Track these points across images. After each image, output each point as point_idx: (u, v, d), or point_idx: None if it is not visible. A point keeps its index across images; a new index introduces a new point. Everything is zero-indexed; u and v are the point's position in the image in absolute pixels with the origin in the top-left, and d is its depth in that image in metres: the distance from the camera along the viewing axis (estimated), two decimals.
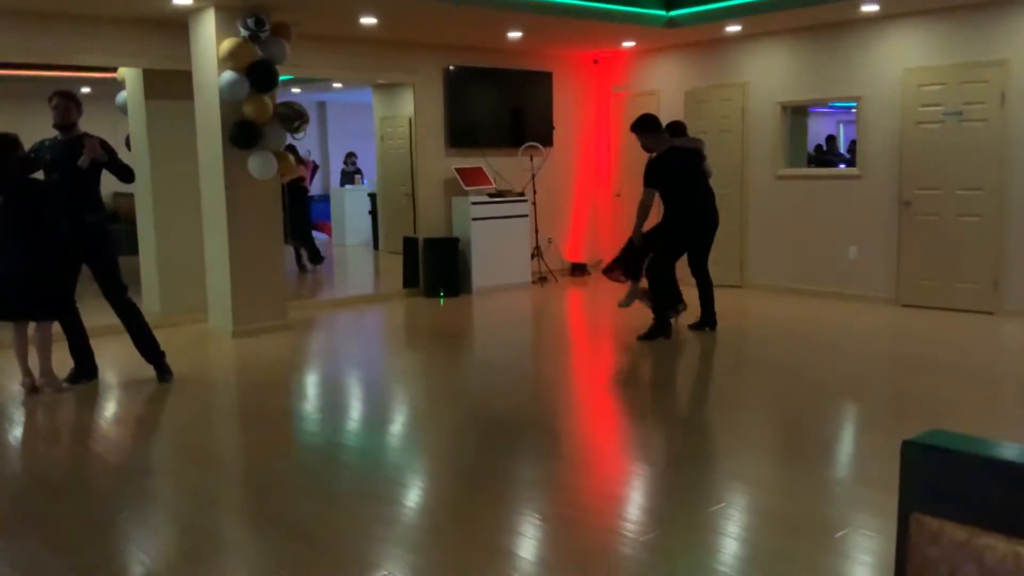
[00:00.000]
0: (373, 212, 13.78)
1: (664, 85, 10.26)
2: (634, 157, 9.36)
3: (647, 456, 4.63)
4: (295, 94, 13.56)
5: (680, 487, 4.07)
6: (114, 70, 8.31)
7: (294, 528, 3.62)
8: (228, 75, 7.10)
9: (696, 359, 6.89)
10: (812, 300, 8.84)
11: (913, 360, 6.51)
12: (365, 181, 14.94)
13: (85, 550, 3.48)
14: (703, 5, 8.54)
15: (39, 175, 5.84)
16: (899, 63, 8.29)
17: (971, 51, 7.81)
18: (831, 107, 12.88)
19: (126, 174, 5.98)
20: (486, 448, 4.71)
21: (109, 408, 5.76)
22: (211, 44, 7.26)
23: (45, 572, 3.30)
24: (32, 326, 5.75)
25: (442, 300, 9.36)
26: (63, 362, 5.94)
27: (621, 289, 7.54)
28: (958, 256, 8.02)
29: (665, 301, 7.10)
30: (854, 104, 8.93)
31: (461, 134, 9.91)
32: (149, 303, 8.13)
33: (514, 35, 9.06)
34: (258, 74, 7.15)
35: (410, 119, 10.24)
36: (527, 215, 10.05)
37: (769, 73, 9.32)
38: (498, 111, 10.17)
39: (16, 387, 5.80)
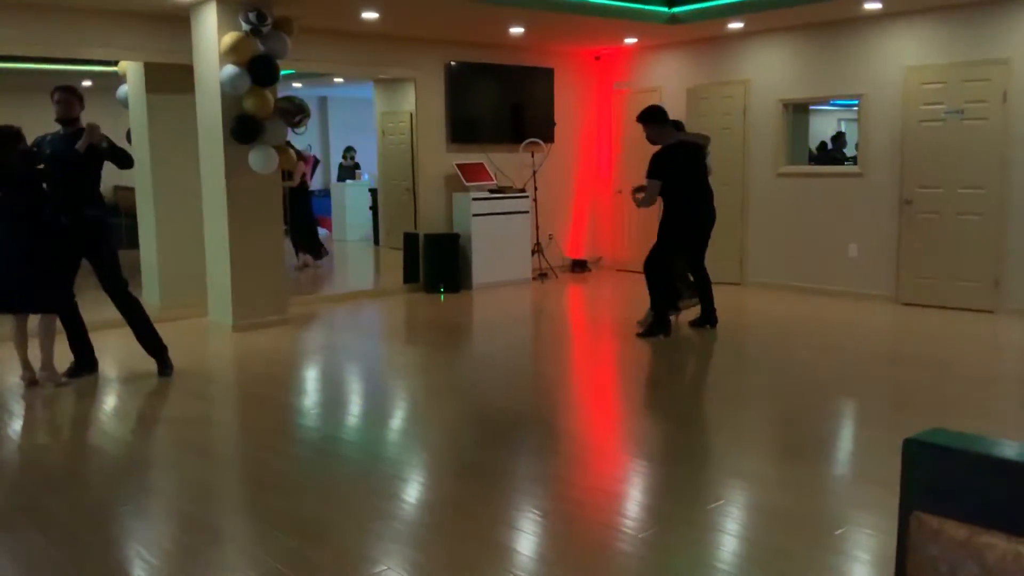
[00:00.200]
0: (374, 207, 13.78)
1: (666, 82, 10.25)
2: (635, 154, 9.37)
3: (646, 452, 4.63)
4: (296, 89, 13.54)
5: (679, 484, 4.07)
6: (115, 63, 8.31)
7: (293, 523, 3.62)
8: (229, 69, 7.09)
9: (695, 356, 6.89)
10: (812, 298, 8.84)
11: (913, 358, 6.51)
12: (366, 176, 14.93)
13: (84, 543, 3.48)
14: (705, 2, 8.53)
15: (41, 169, 5.82)
16: (901, 61, 8.28)
17: (973, 49, 7.80)
18: (832, 104, 12.87)
19: (125, 159, 5.99)
20: (485, 443, 4.71)
21: (109, 402, 5.76)
22: (212, 38, 7.25)
23: (44, 564, 3.30)
24: (32, 319, 5.75)
25: (442, 296, 9.36)
26: (63, 356, 5.94)
27: (619, 285, 7.53)
28: (959, 254, 8.01)
29: (663, 298, 7.10)
30: (855, 102, 8.92)
31: (462, 130, 9.90)
32: (149, 297, 8.13)
33: (516, 31, 9.05)
34: (259, 68, 7.15)
35: (411, 114, 10.23)
36: (528, 211, 10.05)
37: (771, 70, 9.31)
38: (499, 107, 10.16)
39: (16, 380, 5.81)
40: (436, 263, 9.50)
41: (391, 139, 12.59)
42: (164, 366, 6.05)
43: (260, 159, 7.31)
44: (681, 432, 4.99)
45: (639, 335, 7.06)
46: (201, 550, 3.44)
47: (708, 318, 7.29)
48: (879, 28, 8.40)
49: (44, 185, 5.71)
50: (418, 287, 9.60)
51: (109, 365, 6.27)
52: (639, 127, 7.17)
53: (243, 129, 7.23)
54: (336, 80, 13.17)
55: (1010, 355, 6.77)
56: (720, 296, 7.41)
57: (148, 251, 8.39)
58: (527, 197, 10.05)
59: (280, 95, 7.61)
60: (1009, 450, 1.50)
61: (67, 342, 5.94)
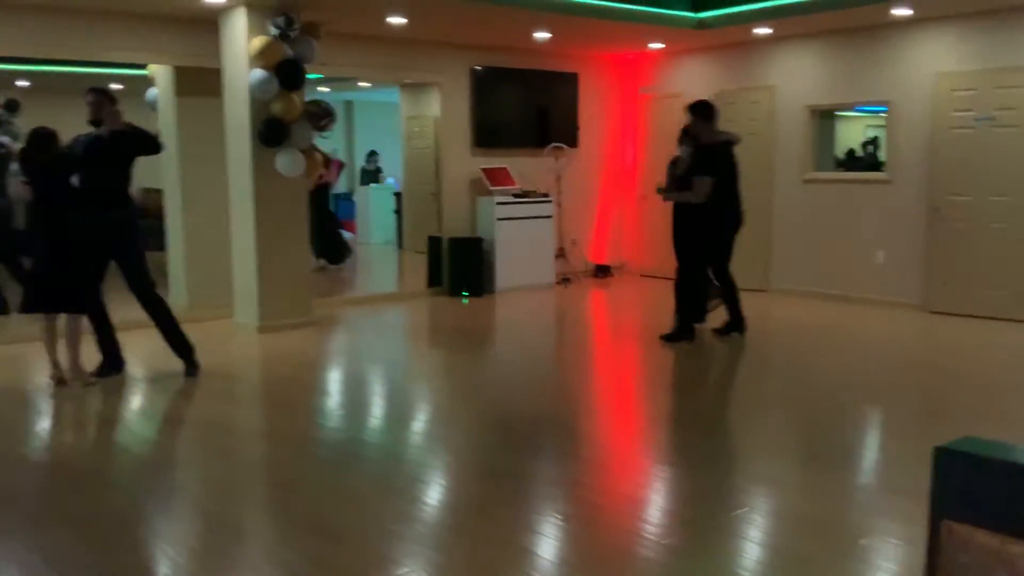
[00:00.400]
0: (398, 211, 13.83)
1: (691, 87, 10.20)
2: (660, 159, 9.33)
3: (669, 458, 4.61)
4: (322, 93, 13.63)
5: (702, 490, 4.05)
6: (145, 67, 8.41)
7: (316, 523, 3.64)
8: (258, 73, 7.15)
9: (720, 362, 6.85)
10: (838, 305, 8.77)
11: (940, 367, 6.44)
12: (390, 180, 14.98)
13: (111, 541, 3.52)
14: (732, 7, 8.50)
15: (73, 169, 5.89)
16: (931, 67, 8.20)
17: (1004, 56, 7.71)
18: (860, 111, 12.76)
19: (152, 143, 5.96)
20: (507, 447, 4.71)
21: (135, 401, 5.82)
22: (241, 42, 7.32)
23: (72, 562, 3.34)
24: (61, 319, 5.82)
25: (465, 300, 9.37)
26: (91, 356, 6.01)
27: (642, 291, 7.49)
28: (988, 263, 7.91)
29: (694, 304, 7.05)
30: (884, 108, 8.84)
31: (487, 134, 9.92)
32: (176, 298, 8.21)
33: (541, 36, 9.06)
34: (287, 72, 7.20)
35: (436, 119, 10.26)
36: (551, 216, 10.04)
37: (798, 76, 9.26)
38: (524, 111, 10.17)
39: (45, 379, 5.88)
40: (460, 267, 9.52)
41: (416, 143, 12.64)
42: (191, 366, 6.10)
43: (287, 162, 7.37)
44: (705, 438, 4.97)
45: (663, 338, 7.03)
46: (225, 549, 3.47)
47: (736, 325, 7.22)
48: (909, 34, 8.33)
49: (75, 185, 5.78)
50: (442, 291, 9.62)
51: (136, 365, 6.33)
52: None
53: (270, 132, 7.29)
54: (362, 84, 13.24)
55: None
56: (745, 303, 7.34)
57: (176, 252, 8.47)
58: (551, 202, 10.05)
59: (307, 99, 7.66)
60: None
61: (95, 342, 6.00)
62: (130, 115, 5.98)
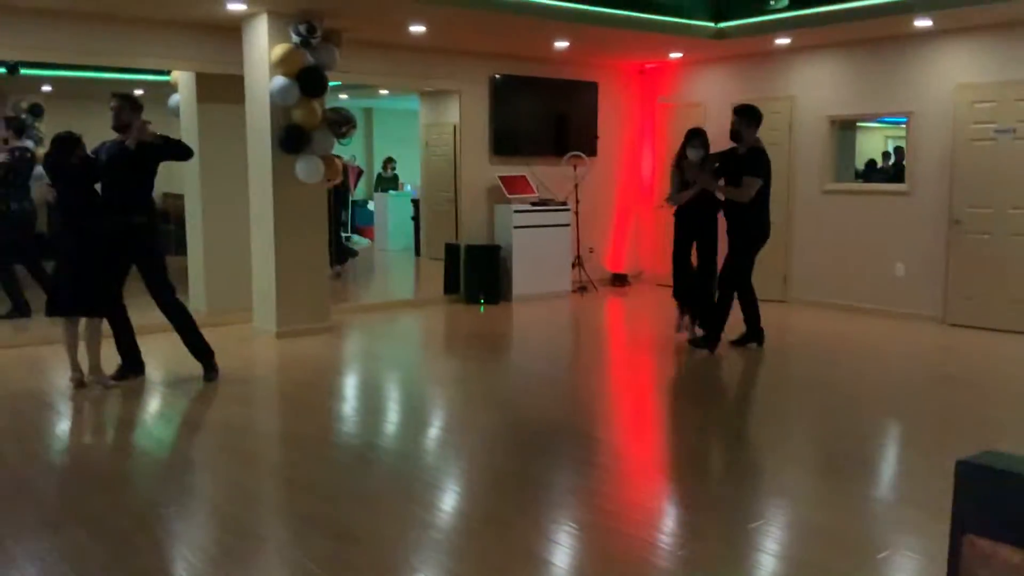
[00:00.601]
0: (416, 218, 13.88)
1: (710, 97, 10.20)
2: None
3: (686, 468, 4.59)
4: (342, 100, 13.71)
5: (719, 501, 4.03)
6: (168, 73, 8.48)
7: (332, 528, 3.65)
8: (279, 80, 7.20)
9: (738, 373, 6.82)
10: (857, 317, 8.72)
11: (959, 380, 6.39)
12: (409, 187, 15.04)
13: (129, 542, 3.54)
14: (753, 17, 8.49)
15: (97, 174, 5.95)
16: (951, 79, 8.17)
17: None
18: (879, 122, 12.71)
19: (182, 151, 6.09)
20: (523, 454, 4.71)
21: (154, 404, 5.86)
22: (263, 49, 7.38)
23: (90, 562, 3.37)
24: (82, 322, 5.87)
25: (482, 307, 9.38)
26: (111, 358, 6.05)
27: (659, 300, 7.47)
28: (1009, 275, 7.85)
29: (724, 313, 7.02)
30: (903, 120, 8.80)
31: (505, 142, 9.95)
32: (196, 303, 8.26)
33: (561, 45, 9.08)
34: (308, 79, 7.25)
35: (455, 126, 10.30)
36: (569, 224, 10.05)
37: (818, 86, 9.23)
38: (543, 120, 10.19)
39: (65, 382, 5.93)
40: (477, 274, 9.54)
41: (434, 150, 12.69)
42: (210, 371, 6.14)
43: (307, 169, 7.41)
44: (722, 448, 4.95)
45: (691, 342, 7.01)
46: (241, 551, 3.49)
47: (754, 336, 7.19)
48: (929, 45, 8.29)
49: (99, 190, 5.84)
50: (458, 298, 9.64)
51: (155, 368, 6.38)
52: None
53: (291, 139, 7.33)
54: (382, 92, 13.31)
55: None
56: (764, 313, 7.31)
57: (195, 258, 8.53)
58: (568, 210, 10.05)
59: (327, 106, 7.71)
60: None
61: (115, 345, 6.05)
62: (151, 119, 6.03)
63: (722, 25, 8.74)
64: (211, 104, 8.16)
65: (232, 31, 7.71)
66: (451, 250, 9.82)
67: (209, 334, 6.28)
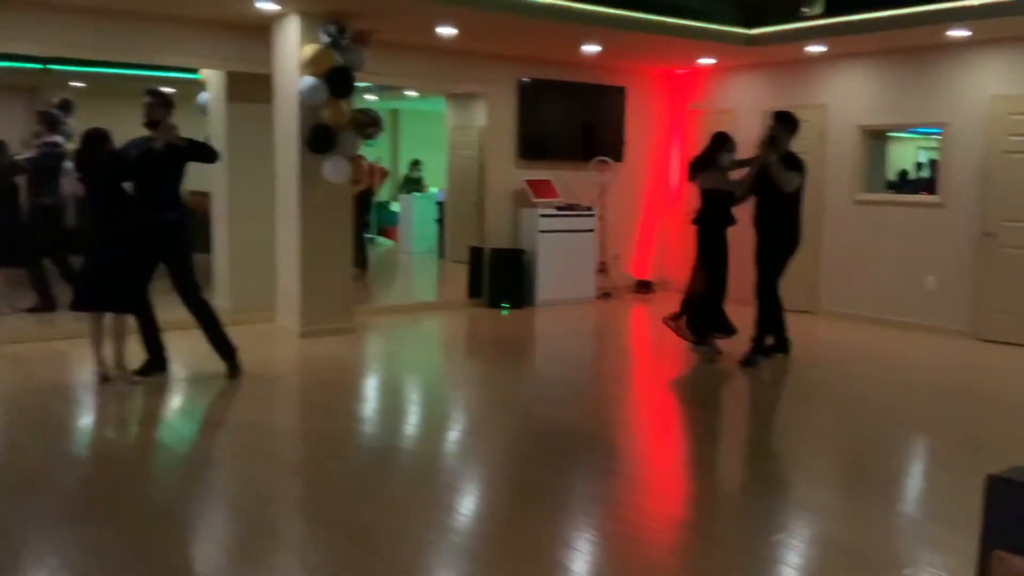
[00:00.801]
0: (440, 220, 13.89)
1: (741, 103, 10.12)
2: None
3: (708, 479, 4.54)
4: (370, 101, 13.76)
5: (741, 513, 3.98)
6: (197, 71, 8.54)
7: (351, 529, 3.64)
8: (308, 80, 7.23)
9: (763, 383, 6.74)
10: (886, 329, 8.60)
11: (989, 396, 6.28)
12: (435, 190, 15.06)
13: (150, 537, 3.55)
14: (786, 24, 8.41)
15: (126, 170, 5.99)
16: (986, 90, 8.04)
17: None
18: (912, 132, 12.56)
19: (209, 153, 6.14)
20: (544, 460, 4.68)
21: (177, 400, 5.89)
22: (293, 49, 7.40)
23: (111, 556, 3.38)
24: (108, 318, 5.91)
25: (505, 311, 9.36)
26: (136, 354, 6.09)
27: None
28: None
29: (775, 316, 6.92)
30: (937, 130, 8.68)
31: (532, 146, 9.92)
32: (221, 301, 8.30)
33: (590, 49, 9.05)
34: (337, 80, 7.27)
35: (481, 129, 10.30)
36: (594, 229, 10.01)
37: (850, 95, 9.13)
38: (570, 124, 10.15)
39: (90, 376, 5.97)
40: (500, 278, 9.52)
41: (460, 153, 12.68)
42: (233, 368, 6.16)
43: (334, 169, 7.43)
44: (745, 460, 4.89)
45: (744, 364, 6.85)
46: (260, 549, 3.48)
47: (780, 346, 7.10)
48: (965, 56, 8.17)
49: (128, 187, 5.89)
50: (481, 301, 9.62)
51: (180, 365, 6.41)
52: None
53: (319, 139, 7.35)
54: (408, 93, 13.32)
55: None
56: (791, 324, 7.22)
57: (221, 255, 8.58)
58: (594, 215, 10.01)
59: (356, 107, 7.72)
60: None
61: (140, 341, 6.09)
62: (181, 118, 6.06)
63: (754, 31, 8.66)
64: (240, 103, 8.20)
65: (262, 30, 7.75)
66: (475, 253, 9.81)
67: (234, 332, 6.30)
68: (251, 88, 8.07)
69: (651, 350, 8.32)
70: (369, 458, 4.75)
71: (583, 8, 7.70)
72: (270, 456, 4.73)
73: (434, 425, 5.52)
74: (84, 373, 6.12)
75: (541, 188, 9.77)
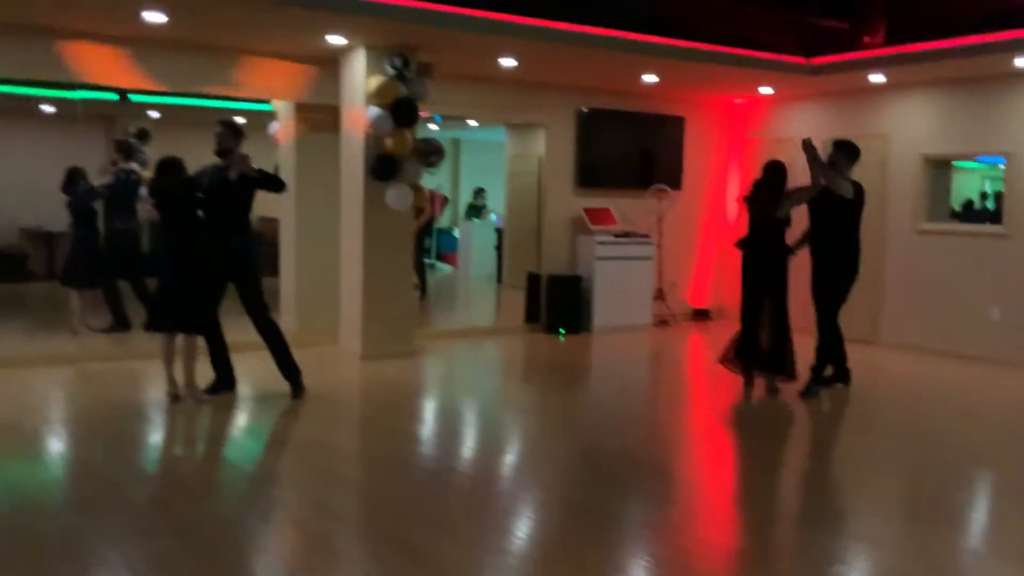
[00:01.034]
0: (499, 247, 14.02)
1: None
2: None
3: (765, 508, 4.52)
4: (432, 131, 14.00)
5: (798, 544, 3.96)
6: (269, 102, 8.84)
7: (407, 548, 3.72)
8: (374, 110, 7.44)
9: (822, 413, 6.68)
10: (949, 361, 8.43)
11: None
12: (495, 217, 15.22)
13: (215, 551, 3.68)
14: (846, 53, 8.38)
15: (199, 197, 6.23)
16: None
17: None
18: (978, 162, 12.32)
19: (277, 184, 6.39)
20: (600, 485, 4.71)
21: (243, 419, 6.07)
22: (360, 81, 7.64)
23: (177, 569, 3.51)
24: (179, 338, 6.13)
25: (562, 337, 9.41)
26: (205, 374, 6.30)
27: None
28: None
29: (834, 351, 6.87)
30: (1001, 160, 8.54)
31: (590, 174, 10.00)
32: (286, 322, 8.51)
33: (649, 79, 9.12)
34: (401, 110, 7.47)
35: (540, 158, 10.41)
36: (651, 257, 10.03)
37: (912, 124, 9.03)
38: (628, 153, 10.20)
39: (161, 395, 6.19)
40: (558, 304, 9.58)
41: (519, 181, 12.81)
42: (297, 389, 6.33)
43: (397, 196, 7.61)
44: (804, 490, 4.86)
45: (804, 395, 6.76)
46: (319, 567, 3.59)
47: (840, 376, 7.02)
48: None
49: (200, 212, 6.13)
50: (538, 327, 9.69)
51: (246, 385, 6.60)
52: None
53: (383, 167, 7.55)
54: (470, 123, 13.53)
55: None
56: (851, 354, 7.12)
57: (288, 279, 8.82)
58: (651, 243, 10.03)
59: (419, 137, 7.91)
60: None
61: (210, 361, 6.30)
62: (252, 147, 6.30)
63: (815, 61, 8.65)
64: (308, 133, 8.46)
65: (330, 63, 8.01)
66: (533, 279, 9.89)
67: (298, 354, 6.47)
68: (318, 118, 8.32)
69: (708, 378, 8.28)
70: (427, 479, 4.84)
71: (646, 40, 7.78)
72: (331, 474, 4.85)
73: (491, 448, 5.60)
74: (156, 391, 6.33)
75: (599, 216, 9.83)
